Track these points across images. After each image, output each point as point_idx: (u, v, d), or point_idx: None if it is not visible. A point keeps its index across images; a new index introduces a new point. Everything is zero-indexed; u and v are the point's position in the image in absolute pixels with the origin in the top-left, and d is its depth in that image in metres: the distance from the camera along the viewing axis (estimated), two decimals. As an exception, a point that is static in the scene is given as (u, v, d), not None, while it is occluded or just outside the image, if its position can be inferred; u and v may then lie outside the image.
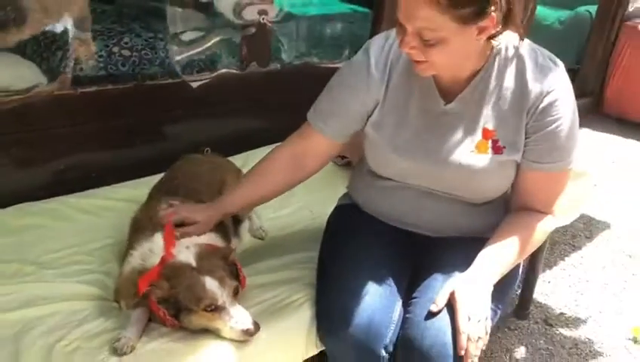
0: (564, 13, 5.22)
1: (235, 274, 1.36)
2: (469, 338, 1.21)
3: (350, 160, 2.09)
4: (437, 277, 1.33)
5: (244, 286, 1.39)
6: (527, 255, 1.42)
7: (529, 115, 1.30)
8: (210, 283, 1.25)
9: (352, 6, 3.69)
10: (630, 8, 4.59)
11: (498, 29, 1.21)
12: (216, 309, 1.24)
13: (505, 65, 1.31)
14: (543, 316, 2.34)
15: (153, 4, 2.68)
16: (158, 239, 1.39)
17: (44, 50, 1.99)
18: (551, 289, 2.51)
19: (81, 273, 1.51)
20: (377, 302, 1.30)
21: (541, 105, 1.28)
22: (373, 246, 1.44)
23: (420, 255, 1.44)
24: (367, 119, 1.41)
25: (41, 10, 1.88)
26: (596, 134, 4.45)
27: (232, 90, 2.40)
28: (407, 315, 1.31)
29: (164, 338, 1.28)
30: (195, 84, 2.27)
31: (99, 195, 1.89)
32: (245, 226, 1.79)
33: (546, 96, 1.28)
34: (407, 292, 1.37)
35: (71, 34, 1.99)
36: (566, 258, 2.77)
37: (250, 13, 2.47)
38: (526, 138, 1.32)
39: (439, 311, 1.25)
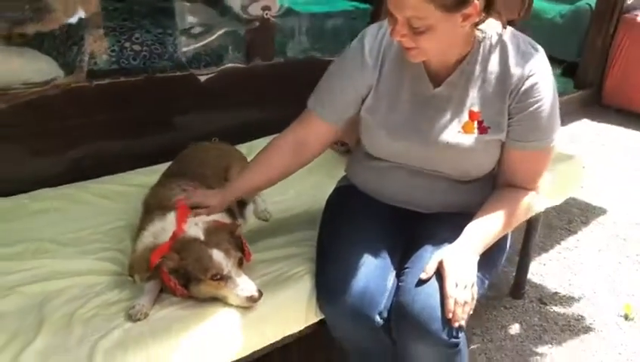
0: (564, 7, 5.29)
1: (241, 248, 1.47)
2: (456, 302, 1.30)
3: (350, 147, 2.18)
4: (427, 249, 1.43)
5: (249, 260, 1.49)
6: (513, 227, 1.51)
7: (511, 97, 1.39)
8: (217, 255, 1.36)
9: (354, 3, 3.82)
10: (629, 1, 4.61)
11: (482, 17, 1.31)
12: (222, 278, 1.35)
13: (489, 52, 1.40)
14: (538, 295, 2.40)
15: (162, 2, 2.80)
16: (171, 218, 1.50)
17: (61, 45, 2.10)
18: (546, 271, 2.57)
19: (97, 251, 1.61)
20: (372, 273, 1.40)
21: (523, 88, 1.37)
22: (369, 222, 1.53)
23: (411, 230, 1.53)
24: (362, 103, 1.50)
25: (58, 8, 2.00)
26: (596, 125, 4.52)
27: (237, 83, 2.49)
28: (399, 284, 1.41)
29: (175, 306, 1.39)
30: (202, 77, 2.36)
31: (114, 181, 2.00)
32: (250, 208, 1.89)
33: (527, 79, 1.37)
34: (400, 264, 1.46)
35: (85, 30, 2.10)
36: (562, 241, 2.82)
37: (254, 9, 2.58)
38: (509, 119, 1.41)
39: (429, 279, 1.35)
